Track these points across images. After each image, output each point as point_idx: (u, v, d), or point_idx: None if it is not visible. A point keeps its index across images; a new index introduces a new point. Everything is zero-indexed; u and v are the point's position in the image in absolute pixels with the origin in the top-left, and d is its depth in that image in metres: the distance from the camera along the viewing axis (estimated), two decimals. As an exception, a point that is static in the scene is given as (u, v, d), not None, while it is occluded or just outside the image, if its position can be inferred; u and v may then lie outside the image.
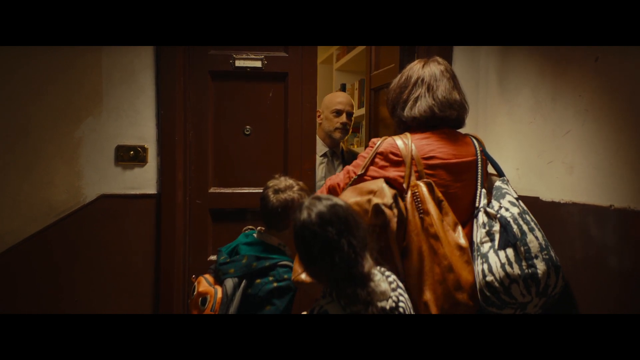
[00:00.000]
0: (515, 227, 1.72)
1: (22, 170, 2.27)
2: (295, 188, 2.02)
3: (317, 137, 2.92)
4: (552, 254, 1.70)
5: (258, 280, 1.92)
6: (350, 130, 3.16)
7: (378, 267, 1.50)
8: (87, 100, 2.31)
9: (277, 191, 2.00)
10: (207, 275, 2.00)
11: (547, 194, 1.95)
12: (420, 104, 1.87)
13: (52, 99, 2.28)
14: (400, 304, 1.47)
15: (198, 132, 2.47)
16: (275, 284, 1.90)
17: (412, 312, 1.55)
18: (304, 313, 1.69)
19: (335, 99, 3.05)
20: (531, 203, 2.04)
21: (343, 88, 4.89)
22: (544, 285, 1.68)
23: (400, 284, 1.54)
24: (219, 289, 1.93)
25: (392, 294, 1.46)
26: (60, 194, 2.30)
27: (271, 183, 2.03)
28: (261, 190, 2.52)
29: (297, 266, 1.86)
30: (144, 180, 2.38)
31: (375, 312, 1.39)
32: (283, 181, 2.03)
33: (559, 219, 1.88)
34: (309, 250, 1.41)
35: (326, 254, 1.37)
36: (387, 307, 1.43)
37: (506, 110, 2.28)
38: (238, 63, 2.47)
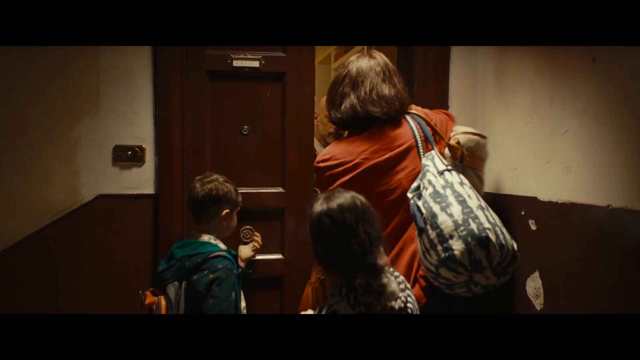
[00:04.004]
0: (424, 210, 1.62)
1: (20, 170, 2.27)
2: (221, 179, 2.15)
3: (314, 139, 2.93)
4: (473, 226, 1.56)
5: (195, 277, 2.00)
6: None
7: (386, 267, 1.52)
8: (85, 100, 2.31)
9: (203, 182, 2.13)
10: (152, 289, 2.10)
11: (545, 194, 1.96)
12: (345, 104, 1.84)
13: (50, 99, 2.28)
14: (409, 304, 1.49)
15: (196, 132, 2.46)
16: (211, 276, 1.98)
17: (419, 313, 1.56)
18: (306, 312, 1.69)
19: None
20: (529, 203, 2.04)
21: (341, 88, 4.88)
22: (471, 261, 1.56)
23: (408, 285, 1.55)
24: (163, 297, 2.03)
25: (401, 294, 1.48)
26: (58, 194, 2.30)
27: (199, 177, 2.17)
28: (259, 191, 2.53)
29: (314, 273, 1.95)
30: (141, 180, 2.38)
31: (387, 307, 1.41)
32: (210, 175, 2.16)
33: (556, 219, 1.88)
34: (326, 237, 1.43)
35: (343, 238, 1.40)
36: (396, 307, 1.44)
37: (503, 110, 2.28)
38: (236, 63, 2.47)
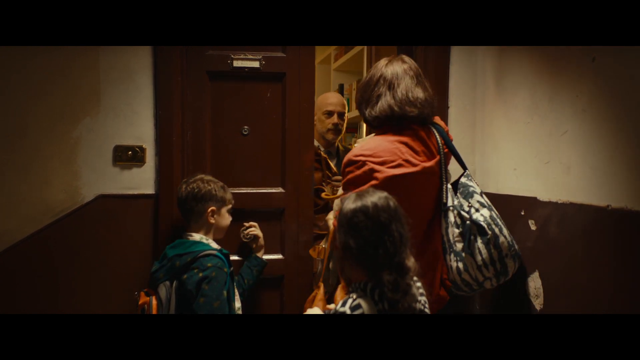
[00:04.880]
0: (489, 232, 1.82)
1: (20, 170, 2.27)
2: (206, 179, 2.20)
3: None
4: (516, 246, 1.86)
5: (185, 276, 2.02)
6: (344, 130, 3.17)
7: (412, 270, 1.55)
8: (85, 100, 2.31)
9: (188, 182, 2.19)
10: (146, 289, 2.13)
11: (545, 194, 1.96)
12: (381, 103, 1.90)
13: (50, 99, 2.28)
14: (426, 310, 1.53)
15: (196, 132, 2.46)
16: (200, 274, 2.00)
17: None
18: (331, 307, 1.68)
19: (325, 100, 3.07)
20: (529, 203, 2.05)
21: (341, 88, 4.89)
22: (510, 276, 1.89)
23: (424, 291, 1.58)
24: (154, 297, 2.05)
25: (420, 298, 1.52)
26: (58, 194, 2.30)
27: (185, 179, 2.23)
28: (259, 191, 2.53)
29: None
30: (142, 180, 2.38)
31: (410, 307, 1.44)
32: (195, 175, 2.22)
33: (556, 219, 1.89)
34: (359, 233, 1.44)
35: (377, 236, 1.43)
36: (417, 309, 1.49)
37: (503, 111, 2.29)
38: (236, 63, 2.47)
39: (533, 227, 2.03)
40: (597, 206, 1.68)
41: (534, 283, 2.01)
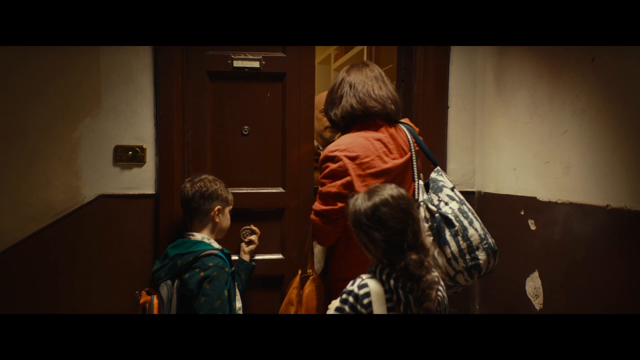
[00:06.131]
0: (457, 224, 1.83)
1: (20, 170, 2.27)
2: (210, 178, 2.21)
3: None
4: (490, 240, 1.85)
5: (186, 275, 2.02)
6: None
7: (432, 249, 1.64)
8: (86, 100, 2.31)
9: (193, 181, 2.19)
10: (147, 288, 2.13)
11: (544, 194, 1.96)
12: (344, 102, 2.00)
13: (50, 99, 2.28)
14: (439, 293, 1.58)
15: (196, 132, 2.47)
16: (202, 274, 2.00)
17: (447, 303, 1.65)
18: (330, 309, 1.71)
19: (322, 99, 3.06)
20: (528, 203, 2.05)
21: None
22: (487, 269, 1.87)
23: (441, 281, 1.64)
24: (155, 296, 2.06)
25: (435, 286, 1.57)
26: (59, 194, 2.31)
27: (188, 178, 2.24)
28: (259, 191, 2.54)
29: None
30: (142, 180, 2.39)
31: (431, 292, 1.50)
32: (198, 175, 2.22)
33: (556, 219, 1.89)
34: (385, 224, 1.52)
35: (404, 223, 1.52)
36: (433, 295, 1.55)
37: (503, 110, 2.29)
38: (236, 63, 2.47)
39: (533, 227, 2.03)
40: (596, 206, 1.68)
41: (534, 283, 2.02)
